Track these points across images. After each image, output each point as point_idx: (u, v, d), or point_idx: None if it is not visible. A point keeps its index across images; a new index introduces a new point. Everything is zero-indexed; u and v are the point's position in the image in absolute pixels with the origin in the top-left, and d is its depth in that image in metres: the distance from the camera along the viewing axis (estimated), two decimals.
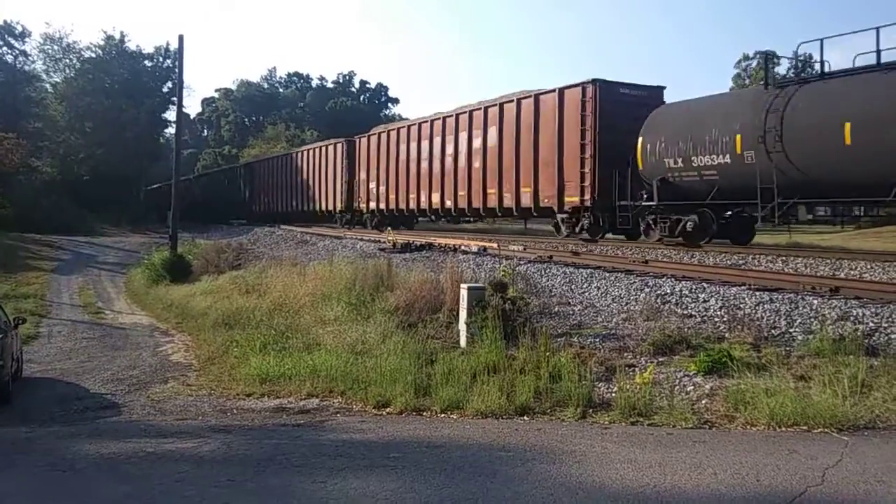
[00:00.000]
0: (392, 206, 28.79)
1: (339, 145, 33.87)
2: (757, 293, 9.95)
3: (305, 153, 38.67)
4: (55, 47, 55.90)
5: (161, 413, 8.44)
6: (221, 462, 5.82)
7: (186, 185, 50.00)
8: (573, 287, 12.06)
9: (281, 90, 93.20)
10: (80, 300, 21.77)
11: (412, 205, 27.41)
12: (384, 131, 30.39)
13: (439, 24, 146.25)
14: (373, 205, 30.33)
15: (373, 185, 30.21)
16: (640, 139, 17.27)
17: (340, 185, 32.95)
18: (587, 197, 18.78)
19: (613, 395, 7.29)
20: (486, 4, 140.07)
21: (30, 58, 55.60)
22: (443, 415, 7.37)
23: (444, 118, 25.67)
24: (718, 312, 9.53)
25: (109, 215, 49.73)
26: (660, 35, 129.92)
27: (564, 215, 20.03)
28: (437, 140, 25.68)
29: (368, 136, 30.99)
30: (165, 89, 59.80)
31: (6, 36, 53.62)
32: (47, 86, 57.55)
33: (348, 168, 32.44)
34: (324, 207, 35.53)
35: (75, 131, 55.06)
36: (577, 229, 19.64)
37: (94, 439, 6.95)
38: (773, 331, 8.60)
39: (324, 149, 36.26)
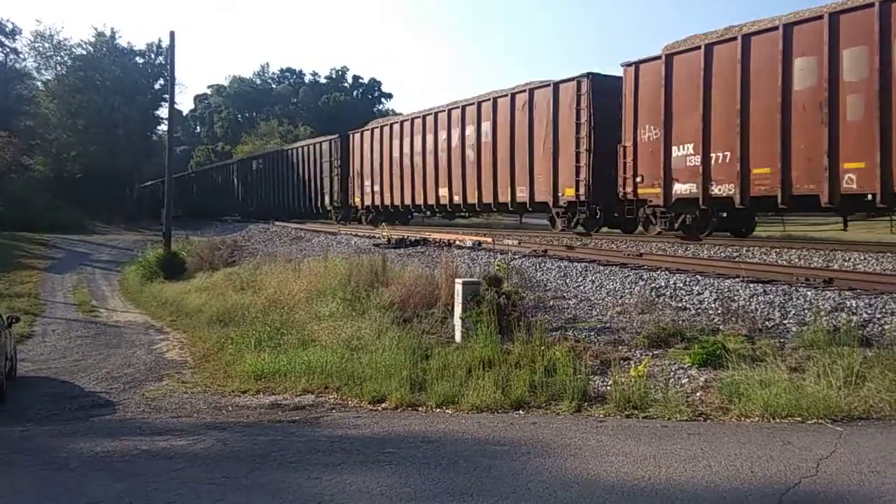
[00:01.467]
0: (736, 187, 14.55)
1: (564, 88, 19.03)
2: (751, 285, 9.99)
3: (467, 110, 23.00)
4: (46, 45, 55.64)
5: (156, 411, 8.42)
6: (216, 459, 5.81)
7: (181, 181, 49.89)
8: (568, 281, 12.08)
9: (274, 86, 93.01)
10: (74, 298, 21.68)
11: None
12: (697, 46, 15.51)
13: (437, 18, 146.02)
14: (684, 188, 15.68)
15: (685, 150, 15.54)
16: None
17: (574, 159, 18.38)
18: None
19: (608, 388, 7.29)
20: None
21: (20, 55, 55.32)
22: (438, 410, 7.37)
23: None
24: (713, 305, 9.56)
25: (103, 213, 49.68)
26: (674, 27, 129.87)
27: None
28: None
29: (663, 59, 16.17)
30: (157, 86, 59.65)
31: None
32: (38, 83, 57.30)
33: (594, 127, 18.03)
34: (516, 196, 20.89)
35: (67, 129, 54.86)
36: None
37: (88, 437, 6.93)
38: (767, 322, 8.63)
39: (509, 100, 21.04)
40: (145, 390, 9.70)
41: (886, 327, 7.92)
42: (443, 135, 24.29)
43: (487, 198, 22.04)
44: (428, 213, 27.09)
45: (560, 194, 19.21)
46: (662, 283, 10.85)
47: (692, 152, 15.48)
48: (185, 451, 6.08)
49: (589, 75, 18.48)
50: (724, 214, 15.90)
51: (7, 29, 53.60)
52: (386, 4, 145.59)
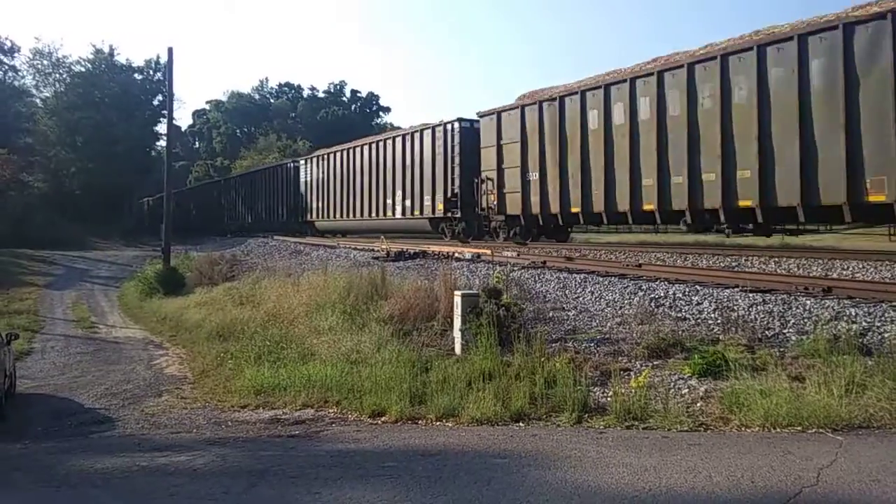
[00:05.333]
0: None
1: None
2: (750, 295, 9.99)
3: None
4: (45, 62, 56.16)
5: (155, 427, 8.40)
6: (216, 475, 5.78)
7: (179, 196, 49.95)
8: (567, 292, 12.08)
9: (272, 101, 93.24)
10: (74, 315, 21.66)
11: None
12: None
13: (431, 33, 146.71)
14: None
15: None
16: None
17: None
18: None
19: (609, 399, 7.28)
20: (478, 14, 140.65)
21: (19, 73, 55.83)
22: (438, 423, 7.34)
23: None
24: (712, 315, 9.56)
25: (102, 229, 49.77)
26: (641, 37, 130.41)
27: None
28: None
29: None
30: (156, 102, 60.04)
31: None
32: (37, 101, 57.71)
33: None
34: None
35: (66, 146, 55.11)
36: None
37: (88, 454, 6.92)
38: (766, 332, 8.63)
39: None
40: (145, 406, 9.68)
41: (886, 335, 7.91)
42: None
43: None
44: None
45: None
46: (661, 294, 10.85)
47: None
48: (185, 466, 6.06)
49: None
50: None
51: (6, 47, 54.08)
52: (383, 22, 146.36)
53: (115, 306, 23.57)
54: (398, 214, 26.64)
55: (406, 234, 27.13)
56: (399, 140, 26.86)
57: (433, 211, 24.39)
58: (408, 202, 25.88)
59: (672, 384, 7.47)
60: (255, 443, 7.06)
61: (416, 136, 25.51)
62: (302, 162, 36.88)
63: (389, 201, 27.29)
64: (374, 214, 28.56)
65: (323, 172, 33.56)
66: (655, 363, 8.11)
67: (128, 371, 12.79)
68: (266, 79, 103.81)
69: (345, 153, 31.57)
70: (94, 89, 56.05)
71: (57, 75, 57.02)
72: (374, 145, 28.88)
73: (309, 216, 35.18)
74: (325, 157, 33.83)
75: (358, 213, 30.01)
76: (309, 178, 35.32)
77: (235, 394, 9.62)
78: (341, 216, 31.65)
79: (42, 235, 39.70)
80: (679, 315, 9.81)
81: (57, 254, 35.93)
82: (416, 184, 25.33)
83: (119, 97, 56.10)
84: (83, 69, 57.24)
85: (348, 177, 30.89)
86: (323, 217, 33.61)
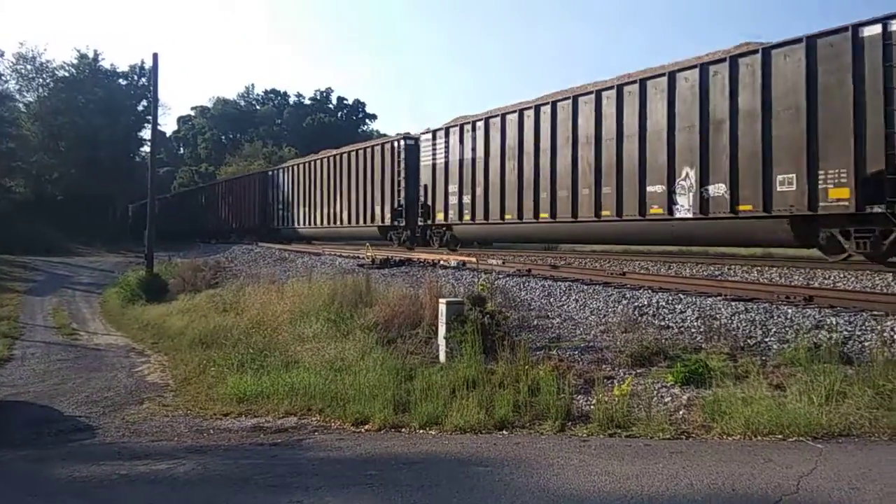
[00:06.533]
0: None
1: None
2: (733, 303, 10.07)
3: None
4: (28, 66, 55.67)
5: (136, 435, 8.31)
6: (197, 483, 5.74)
7: (163, 202, 49.71)
8: (552, 300, 12.11)
9: (258, 107, 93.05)
10: (55, 321, 21.41)
11: None
12: None
13: (418, 40, 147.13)
14: None
15: None
16: None
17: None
18: None
19: (592, 407, 7.29)
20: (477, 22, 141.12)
21: (2, 77, 55.22)
22: (421, 431, 7.33)
23: None
24: (695, 323, 9.61)
25: (84, 235, 49.34)
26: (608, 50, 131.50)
27: None
28: None
29: None
30: (141, 108, 59.85)
31: None
32: (20, 105, 57.14)
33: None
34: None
35: (49, 151, 54.75)
36: None
37: (66, 463, 6.82)
38: (749, 340, 8.68)
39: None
40: (126, 414, 9.57)
41: (866, 344, 7.99)
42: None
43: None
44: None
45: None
46: (645, 302, 10.91)
47: None
48: (166, 475, 6.00)
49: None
50: None
51: None
52: (365, 30, 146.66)
53: (97, 313, 23.34)
54: (685, 211, 15.18)
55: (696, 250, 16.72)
56: (683, 80, 15.15)
57: (809, 203, 12.86)
58: (717, 189, 14.53)
59: (655, 392, 7.49)
60: (236, 451, 7.00)
61: (740, 66, 13.99)
62: (426, 137, 24.53)
63: (656, 189, 15.81)
64: (607, 213, 17.06)
65: (474, 150, 21.80)
66: (639, 371, 8.14)
67: (109, 378, 12.64)
68: (252, 85, 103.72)
69: (524, 115, 19.74)
70: (77, 94, 55.74)
71: (40, 80, 56.68)
72: (602, 96, 17.13)
73: (441, 218, 23.78)
74: (473, 126, 21.92)
75: (559, 211, 18.59)
76: (440, 161, 23.62)
77: (218, 401, 9.53)
78: (518, 217, 20.02)
79: (23, 241, 39.30)
80: (662, 323, 9.86)
81: (38, 260, 35.60)
82: (738, 156, 14.07)
83: (103, 102, 55.81)
84: (67, 74, 56.98)
85: (525, 155, 19.59)
86: (467, 218, 22.33)
